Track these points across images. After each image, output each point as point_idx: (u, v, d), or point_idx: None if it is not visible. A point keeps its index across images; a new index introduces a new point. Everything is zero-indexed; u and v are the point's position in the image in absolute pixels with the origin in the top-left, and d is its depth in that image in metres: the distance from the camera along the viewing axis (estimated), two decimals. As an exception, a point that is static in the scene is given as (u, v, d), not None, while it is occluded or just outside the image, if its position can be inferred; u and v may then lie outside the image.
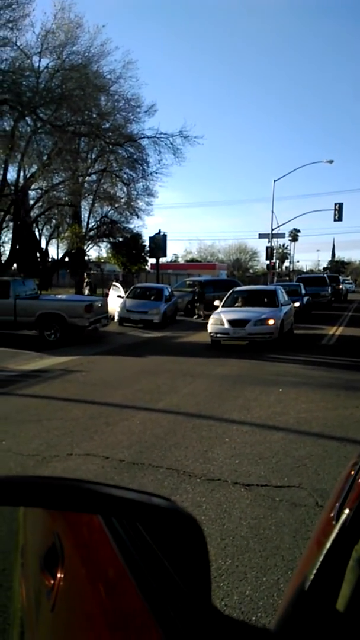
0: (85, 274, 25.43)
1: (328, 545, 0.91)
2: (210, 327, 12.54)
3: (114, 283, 21.98)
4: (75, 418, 6.16)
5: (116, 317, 17.40)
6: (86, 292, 21.24)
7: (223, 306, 13.57)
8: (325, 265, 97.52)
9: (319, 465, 4.60)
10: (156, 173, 27.11)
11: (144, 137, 25.51)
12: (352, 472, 1.47)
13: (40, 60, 20.80)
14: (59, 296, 17.42)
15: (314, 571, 0.83)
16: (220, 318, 12.44)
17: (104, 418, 6.15)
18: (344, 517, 0.99)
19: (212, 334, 12.51)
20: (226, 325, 12.21)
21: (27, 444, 5.14)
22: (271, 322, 12.24)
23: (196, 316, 20.69)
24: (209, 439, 5.39)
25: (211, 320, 12.63)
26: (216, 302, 14.20)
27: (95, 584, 0.76)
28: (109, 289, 21.33)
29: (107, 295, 20.07)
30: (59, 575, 0.77)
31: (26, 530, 0.92)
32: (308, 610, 0.79)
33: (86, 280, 22.08)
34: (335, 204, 32.48)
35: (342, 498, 1.23)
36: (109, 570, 0.78)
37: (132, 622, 0.70)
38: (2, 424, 5.96)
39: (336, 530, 0.95)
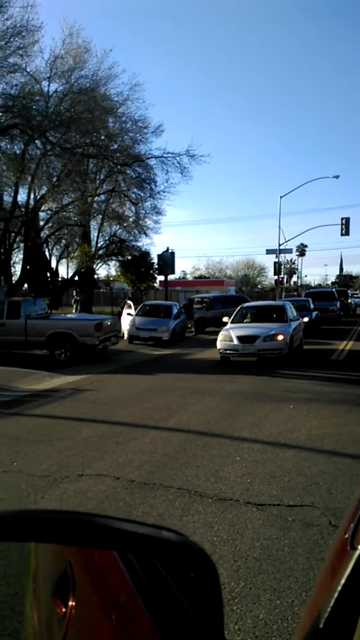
0: (75, 292, 25.58)
1: (343, 580, 0.85)
2: (219, 344, 12.53)
3: (127, 301, 22.09)
4: (86, 438, 6.16)
5: (125, 335, 17.46)
6: (73, 310, 21.27)
7: (232, 322, 13.57)
8: (333, 280, 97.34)
9: (332, 484, 4.55)
10: (164, 192, 27.42)
11: (151, 157, 25.90)
12: None
13: (49, 85, 21.32)
14: (69, 315, 17.55)
15: (329, 608, 0.79)
16: (229, 334, 12.44)
17: (114, 437, 6.15)
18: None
19: (221, 351, 12.50)
20: (235, 342, 12.19)
21: (38, 464, 5.15)
22: (280, 337, 12.21)
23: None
24: (220, 457, 5.36)
25: (220, 337, 12.63)
26: (225, 319, 14.20)
27: (107, 613, 0.76)
28: (122, 308, 21.41)
29: (120, 313, 20.14)
30: (70, 603, 0.77)
31: (37, 555, 0.92)
32: None
33: (75, 297, 22.18)
34: (342, 219, 32.53)
35: (356, 519, 1.18)
36: (121, 601, 0.78)
37: None
38: (13, 444, 5.98)
39: (352, 562, 0.90)
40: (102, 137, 23.90)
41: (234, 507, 4.08)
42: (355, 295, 51.05)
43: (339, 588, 0.81)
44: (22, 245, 25.81)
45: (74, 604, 0.77)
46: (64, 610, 0.77)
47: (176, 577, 0.70)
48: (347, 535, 1.09)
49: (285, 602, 2.81)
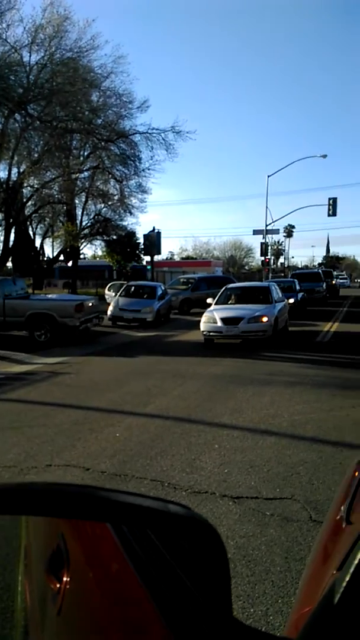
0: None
1: (344, 556, 0.83)
2: (203, 326, 12.26)
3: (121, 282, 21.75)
4: (59, 424, 5.87)
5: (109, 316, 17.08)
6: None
7: (216, 304, 13.29)
8: (320, 261, 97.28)
9: (313, 474, 4.33)
10: (149, 169, 26.82)
11: (135, 133, 25.18)
12: (357, 474, 1.40)
13: (30, 56, 20.44)
14: (50, 295, 17.12)
15: (344, 583, 0.74)
16: (213, 316, 12.16)
17: (88, 424, 5.87)
18: None
19: (205, 333, 12.23)
20: (219, 324, 11.93)
21: (4, 454, 4.85)
22: (265, 319, 11.96)
23: None
24: (197, 445, 5.11)
25: (204, 319, 12.35)
26: (209, 300, 13.91)
27: (103, 589, 0.75)
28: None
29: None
30: (64, 578, 0.76)
31: (29, 530, 0.89)
32: (336, 623, 0.72)
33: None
34: (329, 199, 32.25)
35: (350, 497, 1.19)
36: (117, 576, 0.77)
37: (143, 629, 0.69)
38: (-19, 431, 5.68)
39: (354, 536, 0.89)
40: (86, 112, 23.12)
41: (209, 501, 3.83)
42: (341, 277, 50.90)
43: (356, 562, 0.76)
44: (3, 223, 25.13)
45: (68, 579, 0.75)
46: (58, 585, 0.76)
47: (177, 552, 0.68)
48: (340, 515, 1.12)
49: (259, 611, 2.57)
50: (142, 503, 0.64)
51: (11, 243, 24.54)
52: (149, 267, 40.28)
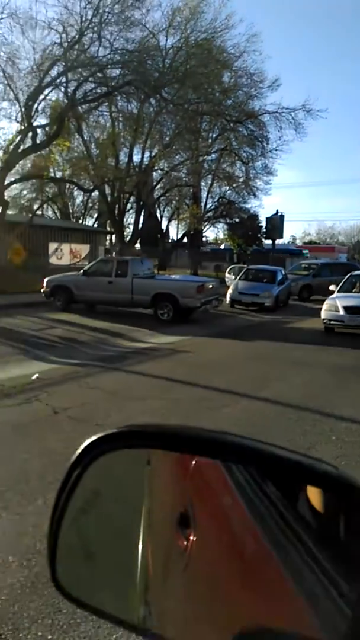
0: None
1: None
2: (323, 313, 11.92)
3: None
4: (178, 399, 6.23)
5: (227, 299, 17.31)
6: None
7: (339, 291, 12.79)
8: None
9: None
10: (276, 150, 26.28)
11: (265, 113, 24.72)
12: None
13: (166, 39, 21.02)
14: (173, 276, 17.79)
15: None
16: (335, 304, 11.76)
17: (206, 402, 6.14)
18: None
19: (325, 321, 11.89)
20: (341, 312, 11.50)
21: (130, 421, 5.29)
22: (395, 310, 11.27)
23: None
24: (313, 434, 5.11)
25: (325, 306, 11.99)
26: (331, 287, 13.42)
27: (231, 554, 0.75)
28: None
29: None
30: (191, 538, 0.77)
31: (153, 491, 0.90)
32: None
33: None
34: None
35: None
36: (247, 544, 0.76)
37: (273, 592, 0.67)
38: (110, 398, 6.24)
39: None
40: (217, 93, 23.23)
41: (323, 490, 3.86)
42: None
43: None
44: (135, 206, 26.50)
45: (194, 539, 0.76)
46: (185, 543, 0.77)
47: (310, 518, 0.65)
48: None
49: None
50: (292, 457, 0.63)
51: (140, 224, 25.81)
52: (305, 251, 39.58)
